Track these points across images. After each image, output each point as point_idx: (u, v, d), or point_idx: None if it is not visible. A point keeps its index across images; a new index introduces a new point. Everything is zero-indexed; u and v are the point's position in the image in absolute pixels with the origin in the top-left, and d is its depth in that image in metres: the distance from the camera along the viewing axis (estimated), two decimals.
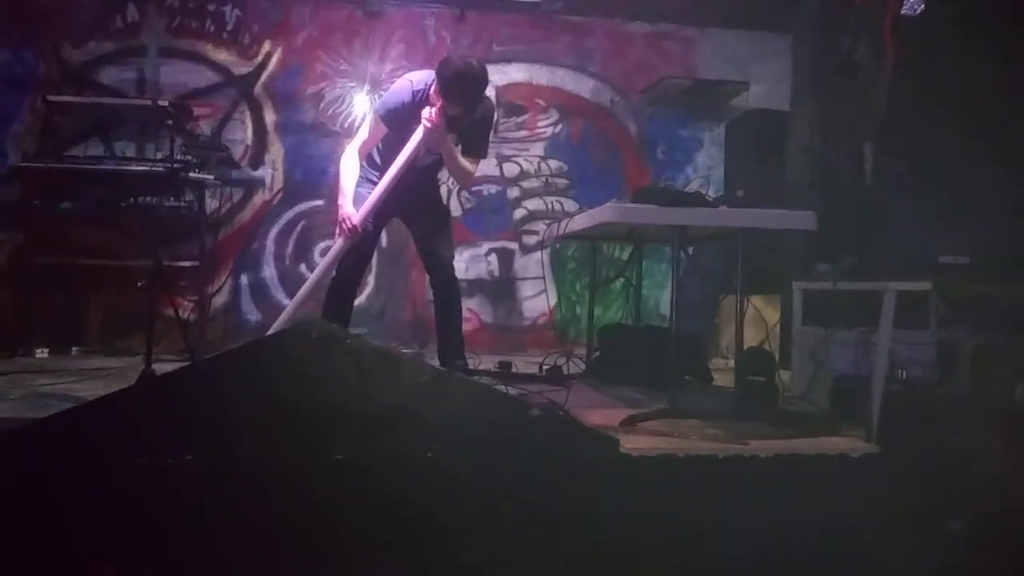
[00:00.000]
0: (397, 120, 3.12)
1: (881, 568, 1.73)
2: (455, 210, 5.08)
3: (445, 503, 1.67)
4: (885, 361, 2.42)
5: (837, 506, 1.92)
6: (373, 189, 3.14)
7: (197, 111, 4.84)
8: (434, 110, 3.00)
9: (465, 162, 3.21)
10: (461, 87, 3.00)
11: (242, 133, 4.97)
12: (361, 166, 3.21)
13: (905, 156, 2.78)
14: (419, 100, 3.10)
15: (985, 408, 2.40)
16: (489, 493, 1.71)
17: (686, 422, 2.51)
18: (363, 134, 3.22)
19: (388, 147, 3.19)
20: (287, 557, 1.55)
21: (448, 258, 3.41)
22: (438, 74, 3.02)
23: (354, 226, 3.09)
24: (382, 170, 3.18)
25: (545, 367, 3.58)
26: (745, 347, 3.06)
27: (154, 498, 1.59)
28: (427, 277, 3.50)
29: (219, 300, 4.86)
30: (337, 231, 3.16)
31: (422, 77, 3.15)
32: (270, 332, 2.74)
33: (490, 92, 3.43)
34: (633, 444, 2.13)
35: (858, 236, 3.25)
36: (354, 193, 3.15)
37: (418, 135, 3.06)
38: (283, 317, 3.13)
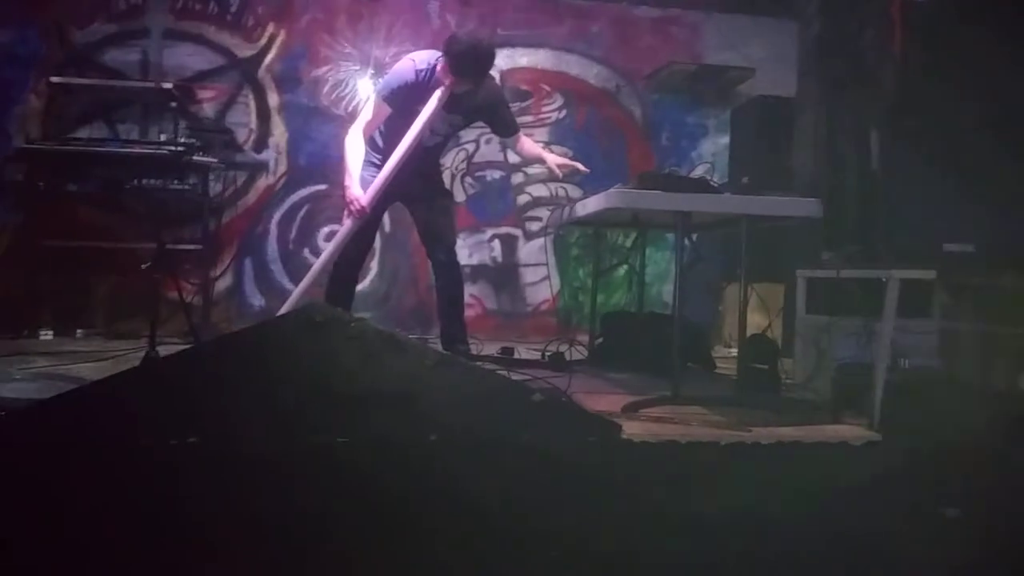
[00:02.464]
0: (400, 101, 3.11)
1: (881, 555, 1.74)
2: (458, 195, 5.07)
3: (447, 487, 1.68)
4: (888, 349, 2.41)
5: (838, 493, 1.92)
6: (376, 172, 3.13)
7: (201, 94, 4.82)
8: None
9: (531, 146, 3.59)
10: (471, 64, 2.98)
11: (246, 116, 4.94)
12: (364, 150, 3.20)
13: (912, 143, 2.75)
14: (423, 80, 3.08)
15: (988, 397, 2.40)
16: (491, 478, 1.72)
17: (688, 409, 2.51)
18: (366, 114, 3.21)
19: (391, 130, 3.18)
20: (289, 539, 1.56)
21: (451, 243, 3.41)
22: (446, 52, 3.00)
23: (362, 207, 3.08)
24: (385, 153, 3.17)
25: (547, 353, 3.58)
26: (748, 335, 3.05)
27: (157, 479, 1.60)
28: (430, 262, 3.49)
29: (223, 283, 4.85)
30: (345, 213, 3.15)
31: (425, 57, 3.13)
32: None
33: (494, 76, 3.43)
34: (635, 430, 2.13)
35: (863, 223, 3.23)
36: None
37: (423, 116, 3.05)
38: (290, 301, 3.13)
